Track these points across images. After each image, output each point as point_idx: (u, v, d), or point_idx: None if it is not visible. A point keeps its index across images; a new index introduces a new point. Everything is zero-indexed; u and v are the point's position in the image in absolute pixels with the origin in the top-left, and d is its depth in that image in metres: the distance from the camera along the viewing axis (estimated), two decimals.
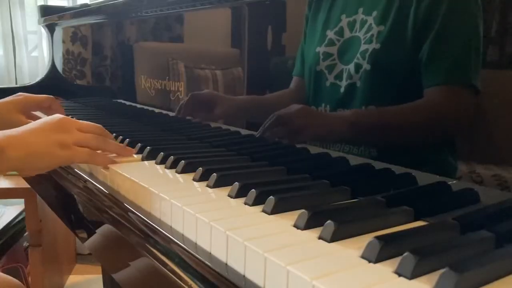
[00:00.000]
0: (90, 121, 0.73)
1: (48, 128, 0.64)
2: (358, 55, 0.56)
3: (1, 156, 0.59)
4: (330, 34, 0.60)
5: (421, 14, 0.50)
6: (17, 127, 0.84)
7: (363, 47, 0.55)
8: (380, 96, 0.55)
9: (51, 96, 0.99)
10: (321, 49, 0.61)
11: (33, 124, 0.66)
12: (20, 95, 0.94)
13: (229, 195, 0.52)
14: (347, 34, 0.58)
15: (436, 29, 0.49)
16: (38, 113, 1.00)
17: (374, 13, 0.55)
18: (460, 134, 0.49)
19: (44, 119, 0.67)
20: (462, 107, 0.48)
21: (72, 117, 1.04)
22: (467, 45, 0.47)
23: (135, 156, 0.74)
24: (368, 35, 0.55)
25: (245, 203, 0.49)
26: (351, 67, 0.57)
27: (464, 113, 0.48)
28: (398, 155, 0.54)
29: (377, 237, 0.36)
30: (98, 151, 0.69)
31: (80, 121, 0.71)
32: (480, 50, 0.46)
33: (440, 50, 0.49)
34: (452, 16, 0.48)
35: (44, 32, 1.66)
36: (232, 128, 0.79)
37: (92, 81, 1.36)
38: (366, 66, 0.55)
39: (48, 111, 0.99)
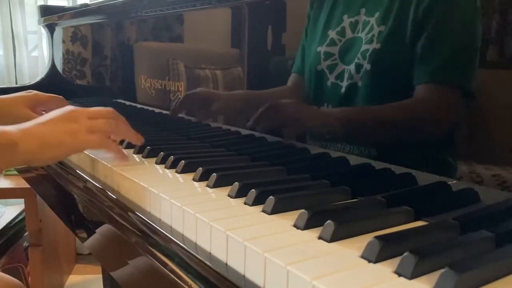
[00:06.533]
0: None
1: (58, 119, 0.65)
2: (359, 55, 0.56)
3: (15, 150, 0.60)
4: (332, 34, 0.60)
5: (419, 14, 0.50)
6: (23, 121, 0.85)
7: (364, 47, 0.55)
8: (381, 96, 0.55)
9: (61, 96, 0.99)
10: (322, 49, 0.61)
11: (44, 117, 0.66)
12: (31, 92, 0.94)
13: (229, 195, 0.52)
14: (349, 34, 0.58)
15: (429, 29, 0.49)
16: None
17: (377, 14, 0.55)
18: (446, 134, 0.49)
19: (55, 111, 0.67)
20: (447, 107, 0.48)
21: None
22: (459, 46, 0.47)
23: (135, 156, 0.74)
24: (369, 35, 0.55)
25: (245, 203, 0.49)
26: (352, 67, 0.57)
27: (449, 114, 0.48)
28: (390, 154, 0.54)
29: (377, 237, 0.36)
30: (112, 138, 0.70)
31: (91, 108, 0.69)
32: (477, 52, 0.45)
33: (430, 50, 0.49)
34: (446, 17, 0.48)
35: (44, 32, 1.66)
36: (232, 128, 0.78)
37: (92, 81, 1.36)
38: (366, 66, 0.55)
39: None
